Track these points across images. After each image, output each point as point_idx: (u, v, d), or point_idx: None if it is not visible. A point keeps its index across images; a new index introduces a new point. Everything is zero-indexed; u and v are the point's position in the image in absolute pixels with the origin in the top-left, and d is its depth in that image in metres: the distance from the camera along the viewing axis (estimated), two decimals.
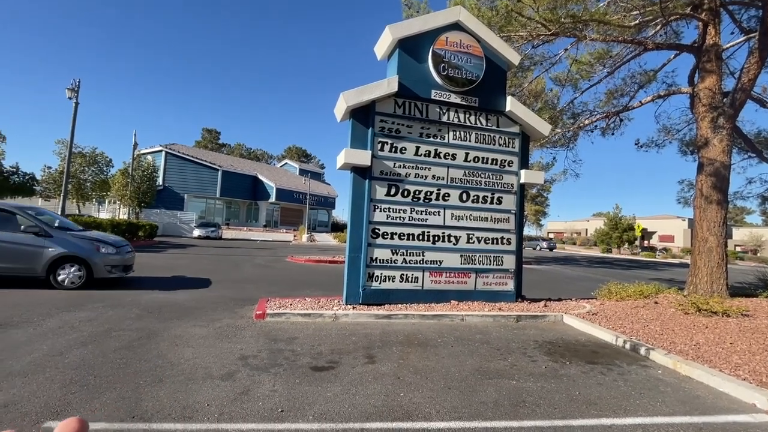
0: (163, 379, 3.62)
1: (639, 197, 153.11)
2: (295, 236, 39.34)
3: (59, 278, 7.39)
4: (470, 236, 7.30)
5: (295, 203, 45.25)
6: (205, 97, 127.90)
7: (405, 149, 7.02)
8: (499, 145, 7.57)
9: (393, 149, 6.95)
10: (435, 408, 3.35)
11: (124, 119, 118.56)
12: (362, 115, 6.86)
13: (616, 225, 49.23)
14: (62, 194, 15.06)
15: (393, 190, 6.93)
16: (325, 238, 40.72)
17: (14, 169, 29.29)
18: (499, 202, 7.51)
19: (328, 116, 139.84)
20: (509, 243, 7.53)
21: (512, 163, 7.64)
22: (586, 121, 12.03)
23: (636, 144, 13.13)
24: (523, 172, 7.60)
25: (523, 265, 8.24)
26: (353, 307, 6.54)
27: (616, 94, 12.08)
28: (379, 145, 6.88)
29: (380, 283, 6.83)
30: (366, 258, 6.74)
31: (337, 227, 53.60)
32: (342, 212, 61.26)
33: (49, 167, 35.20)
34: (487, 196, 7.44)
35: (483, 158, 7.44)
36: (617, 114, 11.93)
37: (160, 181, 37.97)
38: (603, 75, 11.49)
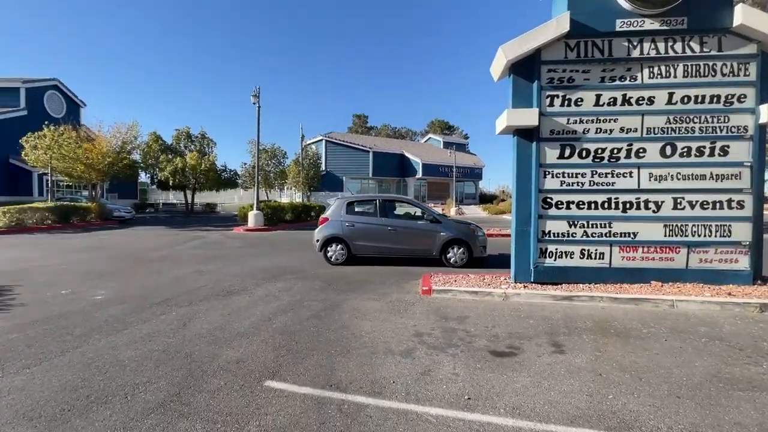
0: (350, 351, 3.83)
1: None
2: (443, 209, 39.60)
3: (449, 257, 8.53)
4: (678, 200, 5.71)
5: (441, 177, 45.37)
6: (352, 84, 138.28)
7: (581, 101, 5.84)
8: (723, 75, 5.59)
9: (565, 102, 5.86)
10: (665, 422, 2.61)
11: (285, 110, 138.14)
12: (525, 67, 5.95)
13: None
14: (255, 185, 18.39)
15: (567, 152, 5.89)
16: (474, 210, 39.77)
17: (224, 168, 37.30)
18: (724, 152, 5.62)
19: (469, 84, 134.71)
20: (741, 207, 5.61)
21: (744, 97, 5.57)
22: None
23: None
24: (764, 107, 5.47)
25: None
26: (524, 286, 5.92)
27: None
28: (548, 100, 5.89)
29: (555, 260, 5.99)
30: (536, 232, 5.97)
31: (484, 198, 51.74)
32: (488, 183, 58.71)
33: (245, 163, 43.51)
34: (704, 147, 5.65)
35: (696, 97, 5.63)
36: None
37: (323, 166, 43.08)
38: None
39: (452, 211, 36.59)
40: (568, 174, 5.89)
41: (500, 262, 9.15)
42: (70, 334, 4.26)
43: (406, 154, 45.18)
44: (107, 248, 10.94)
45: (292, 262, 8.90)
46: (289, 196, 48.44)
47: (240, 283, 6.79)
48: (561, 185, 5.92)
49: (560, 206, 5.94)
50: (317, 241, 8.77)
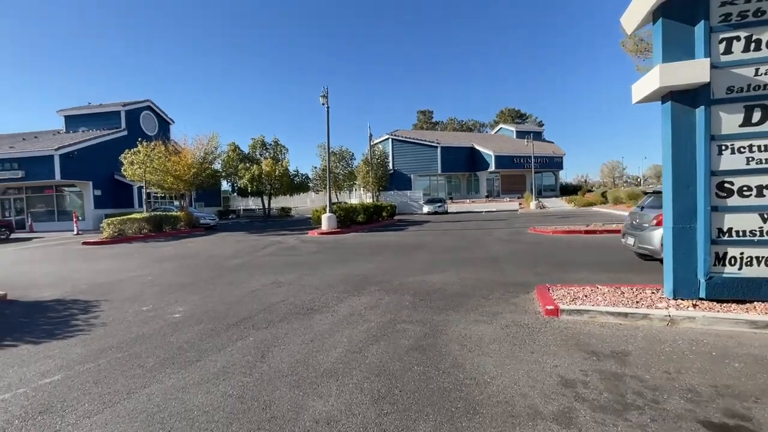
0: (477, 410, 2.72)
1: None
2: (521, 204, 36.76)
3: None
4: None
5: (516, 169, 42.36)
6: (414, 80, 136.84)
7: None
8: None
9: (752, 46, 4.15)
10: None
11: (349, 112, 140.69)
12: (683, 4, 4.34)
13: None
14: (327, 187, 18.07)
15: (758, 115, 4.17)
16: (556, 204, 36.34)
17: (296, 173, 38.42)
18: None
19: (540, 67, 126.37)
20: None
21: None
22: None
23: None
24: None
25: None
26: (693, 305, 4.32)
27: None
28: (723, 46, 4.22)
29: (740, 268, 4.29)
30: (708, 230, 4.33)
31: (566, 190, 47.34)
32: (565, 174, 53.75)
33: (315, 167, 44.53)
34: None
35: None
36: None
37: (390, 165, 42.51)
38: None
39: (532, 206, 33.71)
40: (760, 147, 4.17)
41: (620, 265, 7.39)
42: (141, 366, 3.71)
43: (477, 147, 42.88)
44: (192, 256, 11.09)
45: (373, 269, 8.03)
46: (358, 197, 48.77)
47: (320, 297, 6.03)
48: (747, 163, 4.21)
49: (746, 193, 4.23)
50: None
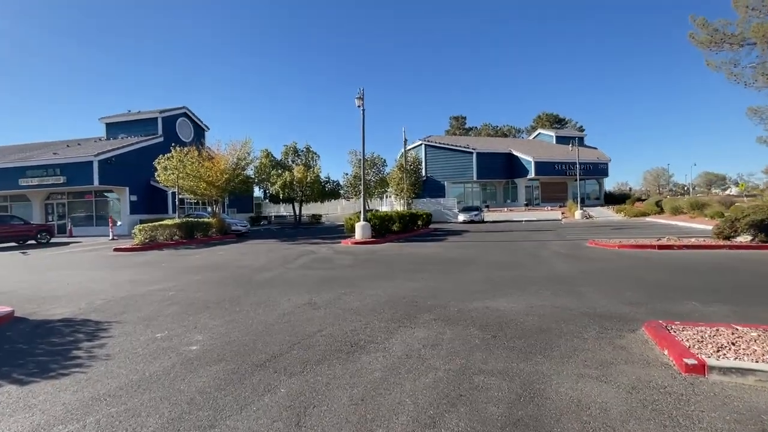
0: None
1: None
2: (563, 213, 34.56)
3: None
4: None
5: (557, 176, 40.10)
6: (445, 85, 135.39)
7: None
8: None
9: None
10: None
11: (379, 118, 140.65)
12: None
13: None
14: (362, 194, 17.12)
15: None
16: (603, 213, 33.88)
17: (327, 179, 37.94)
18: None
19: (577, 64, 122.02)
20: None
21: None
22: None
23: None
24: None
25: None
26: None
27: None
28: None
29: None
30: None
31: (611, 199, 44.39)
32: (606, 182, 50.73)
33: (346, 173, 43.99)
34: None
35: None
36: None
37: (423, 172, 41.31)
38: None
39: (577, 215, 31.50)
40: None
41: (734, 291, 5.83)
42: None
43: (515, 153, 40.99)
44: (220, 267, 10.35)
45: (420, 290, 6.88)
46: (389, 204, 47.80)
47: (364, 326, 4.94)
48: None
49: None
50: None
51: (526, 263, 9.61)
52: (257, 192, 40.46)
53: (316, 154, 37.06)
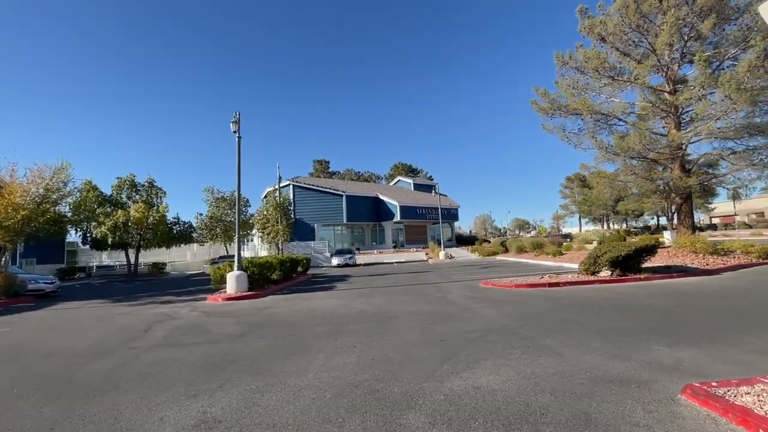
0: None
1: None
2: (427, 254, 36.57)
3: None
4: None
5: (419, 219, 42.86)
6: (309, 129, 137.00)
7: None
8: None
9: None
10: None
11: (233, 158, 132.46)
12: None
13: None
14: (236, 235, 14.01)
15: None
16: (461, 253, 37.15)
17: (176, 220, 31.94)
18: None
19: (425, 126, 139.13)
20: None
21: None
22: None
23: None
24: None
25: None
26: None
27: None
28: None
29: None
30: None
31: (462, 240, 49.73)
32: (461, 225, 57.37)
33: (200, 214, 38.21)
34: None
35: None
36: None
37: (292, 214, 38.88)
38: None
39: (441, 255, 33.61)
40: None
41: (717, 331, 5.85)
42: None
43: (381, 197, 42.48)
44: (13, 356, 6.29)
45: (365, 367, 4.98)
46: (252, 249, 43.18)
47: None
48: None
49: None
50: None
51: (449, 311, 8.64)
52: (72, 236, 31.02)
53: (161, 189, 30.98)
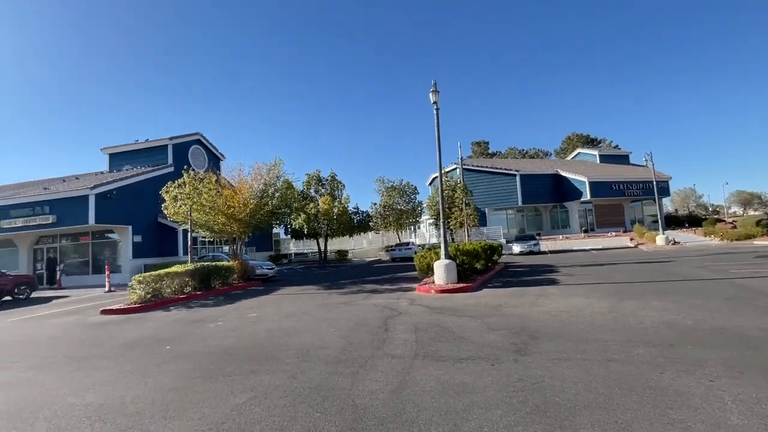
0: None
1: None
2: (632, 239, 29.60)
3: None
4: None
5: (613, 197, 35.40)
6: (463, 112, 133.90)
7: None
8: None
9: None
10: None
11: (390, 147, 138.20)
12: None
13: None
14: (441, 220, 12.63)
15: None
16: (687, 237, 28.83)
17: (356, 210, 33.81)
18: None
19: (603, 86, 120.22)
20: None
21: None
22: None
23: None
24: None
25: None
26: None
27: None
28: None
29: None
30: None
31: (674, 221, 39.34)
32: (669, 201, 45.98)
33: (374, 203, 39.81)
34: None
35: None
36: None
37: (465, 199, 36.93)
38: None
39: (659, 241, 26.52)
40: None
41: None
42: None
43: (563, 173, 36.58)
44: (266, 356, 5.78)
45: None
46: (421, 236, 43.23)
47: None
48: None
49: None
50: None
51: None
52: (275, 228, 36.29)
53: (341, 183, 33.14)
